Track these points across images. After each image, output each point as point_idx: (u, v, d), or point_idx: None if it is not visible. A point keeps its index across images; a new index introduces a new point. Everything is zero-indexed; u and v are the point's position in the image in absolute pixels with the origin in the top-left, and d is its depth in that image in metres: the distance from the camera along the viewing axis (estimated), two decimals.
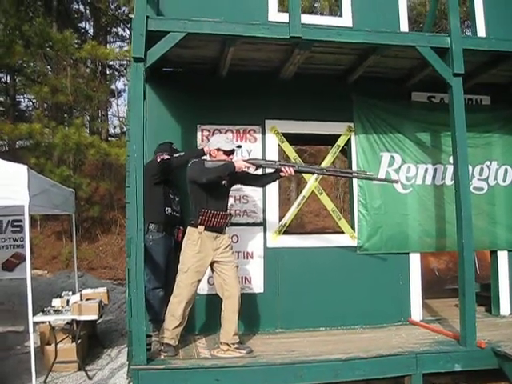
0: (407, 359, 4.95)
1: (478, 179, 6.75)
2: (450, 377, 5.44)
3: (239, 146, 5.48)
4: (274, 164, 5.30)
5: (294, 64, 5.79)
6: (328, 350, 5.12)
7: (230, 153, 5.14)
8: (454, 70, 5.29)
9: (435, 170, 6.64)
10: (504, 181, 6.85)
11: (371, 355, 4.92)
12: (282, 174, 5.23)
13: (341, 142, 6.50)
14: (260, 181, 5.54)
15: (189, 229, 5.10)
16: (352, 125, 6.47)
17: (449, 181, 6.53)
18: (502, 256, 6.78)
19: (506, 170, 6.86)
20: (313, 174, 5.56)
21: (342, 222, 6.48)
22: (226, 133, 6.12)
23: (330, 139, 6.55)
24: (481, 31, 6.33)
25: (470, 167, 6.30)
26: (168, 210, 5.64)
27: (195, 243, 4.99)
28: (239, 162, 5.08)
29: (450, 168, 6.27)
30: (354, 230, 6.41)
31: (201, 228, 4.98)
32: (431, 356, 5.03)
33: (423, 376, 4.99)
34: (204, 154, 5.39)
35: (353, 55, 5.83)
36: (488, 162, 6.81)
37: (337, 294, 6.19)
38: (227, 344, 5.01)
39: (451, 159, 5.68)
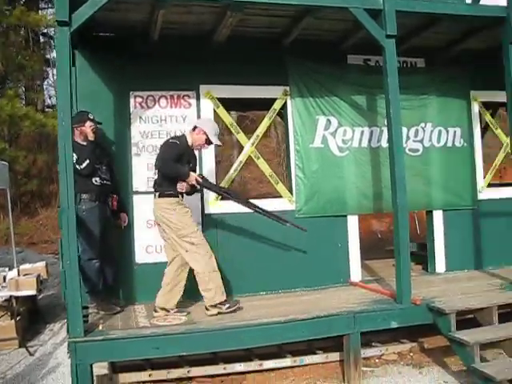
0: (346, 319, 5.06)
1: (414, 141, 6.87)
2: (389, 334, 5.63)
3: (219, 146, 5.76)
4: (217, 189, 5.63)
5: (227, 27, 5.67)
6: (268, 314, 5.17)
7: (210, 143, 5.37)
8: (387, 32, 5.30)
9: (371, 132, 6.71)
10: (438, 142, 6.99)
11: (310, 316, 5.00)
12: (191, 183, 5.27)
13: (277, 105, 6.47)
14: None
15: (165, 199, 5.16)
16: (288, 88, 6.45)
17: (385, 143, 6.58)
18: (437, 216, 6.98)
19: (440, 131, 7.00)
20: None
21: (280, 186, 6.49)
22: (159, 99, 6.07)
23: (267, 103, 6.49)
24: None
25: (405, 129, 6.44)
26: (96, 180, 5.52)
27: (181, 206, 5.19)
28: (193, 177, 5.18)
29: (386, 130, 6.34)
30: (292, 194, 6.44)
31: (180, 197, 5.24)
32: (368, 315, 5.16)
33: (362, 335, 5.12)
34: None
35: (287, 18, 5.76)
36: (423, 124, 6.93)
37: (276, 258, 6.26)
38: (165, 309, 5.16)
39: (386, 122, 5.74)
